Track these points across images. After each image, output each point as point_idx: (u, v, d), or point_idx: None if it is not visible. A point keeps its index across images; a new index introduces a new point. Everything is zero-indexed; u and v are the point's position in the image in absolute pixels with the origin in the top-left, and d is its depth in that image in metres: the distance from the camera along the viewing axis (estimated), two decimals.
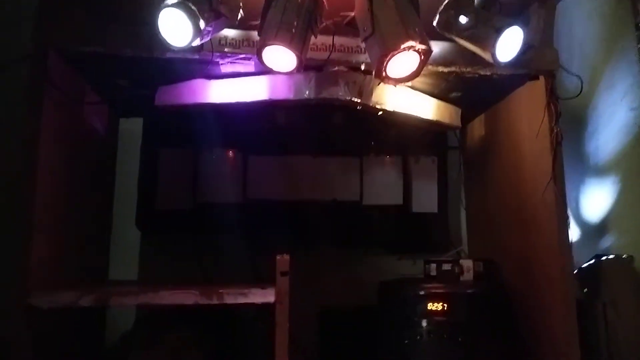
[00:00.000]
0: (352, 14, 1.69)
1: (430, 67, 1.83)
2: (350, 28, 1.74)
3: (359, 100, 1.96)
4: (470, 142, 2.82)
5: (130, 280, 2.52)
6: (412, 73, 1.62)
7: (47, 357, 1.73)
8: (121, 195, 2.54)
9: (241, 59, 1.79)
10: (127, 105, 2.38)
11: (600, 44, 2.74)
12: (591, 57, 2.74)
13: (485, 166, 2.62)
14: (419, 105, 2.19)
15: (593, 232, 2.59)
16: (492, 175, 2.55)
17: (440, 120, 2.26)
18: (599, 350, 2.13)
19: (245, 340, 2.27)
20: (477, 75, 1.94)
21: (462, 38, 1.68)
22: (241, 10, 1.62)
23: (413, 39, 1.48)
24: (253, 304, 1.72)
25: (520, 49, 1.67)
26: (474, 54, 1.74)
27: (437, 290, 2.08)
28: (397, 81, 1.65)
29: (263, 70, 1.75)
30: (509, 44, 1.63)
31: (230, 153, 2.59)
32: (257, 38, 1.63)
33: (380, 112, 2.06)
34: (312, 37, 1.63)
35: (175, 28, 1.49)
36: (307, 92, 1.90)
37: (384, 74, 1.59)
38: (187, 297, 1.71)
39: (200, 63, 1.81)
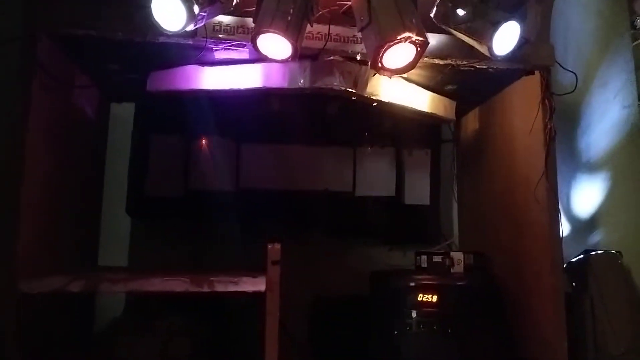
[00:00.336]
0: (349, 3, 1.68)
1: (426, 59, 1.82)
2: (346, 17, 1.73)
3: (353, 91, 1.95)
4: (464, 135, 2.82)
5: (120, 266, 2.50)
6: (408, 64, 1.61)
7: (35, 343, 1.73)
8: (111, 180, 2.52)
9: (235, 45, 1.76)
10: (118, 89, 2.35)
11: (595, 41, 2.75)
12: (586, 54, 2.75)
13: (478, 160, 2.62)
14: (413, 97, 2.18)
15: (583, 227, 2.61)
16: (484, 168, 2.56)
17: (434, 112, 2.26)
18: (586, 344, 2.15)
19: (236, 328, 2.27)
20: (473, 69, 1.93)
21: (459, 31, 1.67)
22: None
23: (410, 31, 1.48)
24: (244, 292, 1.72)
25: (517, 43, 1.67)
26: (470, 47, 1.74)
27: (428, 282, 2.10)
28: (393, 72, 1.64)
29: (257, 57, 1.74)
30: (506, 38, 1.63)
31: (223, 140, 2.56)
32: (252, 25, 1.61)
33: (374, 103, 2.05)
34: (308, 26, 1.62)
35: (169, 12, 1.47)
36: (301, 81, 1.89)
37: (379, 64, 1.58)
38: (178, 285, 1.70)
39: (193, 49, 1.78)
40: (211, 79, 1.94)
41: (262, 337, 1.69)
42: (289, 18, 1.48)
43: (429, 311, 2.03)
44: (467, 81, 2.13)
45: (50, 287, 1.63)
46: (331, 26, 1.77)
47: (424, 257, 2.28)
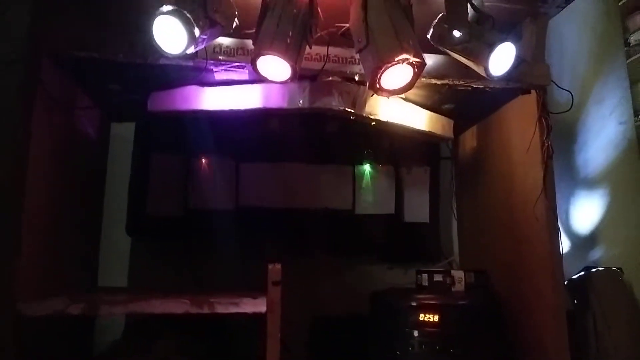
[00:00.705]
0: (347, 25, 1.70)
1: (423, 79, 1.84)
2: (344, 39, 1.75)
3: (352, 111, 1.97)
4: (462, 153, 2.84)
5: (119, 287, 2.49)
6: (405, 85, 1.63)
7: None
8: (111, 199, 2.52)
9: (235, 66, 1.79)
10: (119, 109, 2.37)
11: (590, 58, 2.78)
12: (581, 71, 2.78)
13: (477, 177, 2.63)
14: (411, 116, 2.20)
15: (583, 244, 2.61)
16: (483, 186, 2.57)
17: (432, 131, 2.28)
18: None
19: (236, 347, 2.25)
20: (469, 88, 1.96)
21: (455, 52, 1.70)
22: (236, 19, 1.62)
23: (407, 52, 1.49)
24: (244, 313, 1.71)
25: (513, 63, 1.69)
26: (467, 67, 1.76)
27: (429, 302, 2.09)
28: (391, 93, 1.66)
29: (257, 78, 1.76)
30: (502, 59, 1.65)
31: (223, 159, 2.58)
32: (252, 46, 1.63)
33: (373, 123, 2.07)
34: (307, 47, 1.64)
35: (170, 35, 1.49)
36: (300, 102, 1.91)
37: (377, 85, 1.60)
38: (178, 307, 1.69)
39: (194, 70, 1.80)
40: (211, 99, 1.96)
41: (263, 357, 1.67)
42: (289, 40, 1.50)
43: (430, 331, 2.02)
44: (465, 100, 2.15)
45: (50, 309, 1.62)
46: (330, 47, 1.80)
47: (425, 276, 2.27)
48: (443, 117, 2.35)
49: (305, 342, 2.52)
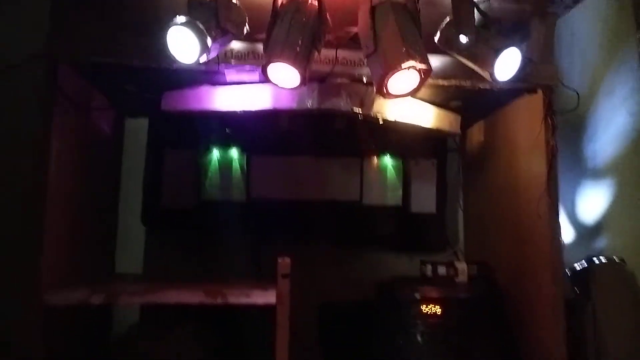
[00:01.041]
0: (355, 29, 1.73)
1: (430, 80, 1.84)
2: (353, 42, 1.78)
3: (360, 111, 2.01)
4: (469, 146, 2.86)
5: (135, 274, 2.60)
6: (412, 90, 1.65)
7: (57, 351, 1.81)
8: (127, 192, 2.61)
9: (246, 70, 1.83)
10: (133, 105, 2.43)
11: (601, 49, 2.76)
12: (592, 62, 2.76)
13: (482, 171, 2.67)
14: (419, 114, 2.23)
15: (587, 233, 2.64)
16: (489, 180, 2.60)
17: (440, 127, 2.31)
18: (587, 351, 2.19)
19: (248, 335, 2.35)
20: (476, 88, 1.98)
21: (462, 56, 1.71)
22: (247, 25, 1.65)
23: (414, 59, 1.52)
24: (255, 304, 1.80)
25: (519, 65, 1.70)
26: None
27: (432, 293, 2.15)
28: (398, 97, 1.69)
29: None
30: (507, 63, 1.66)
31: (234, 153, 2.64)
32: (262, 50, 1.66)
33: (381, 122, 2.11)
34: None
35: (183, 45, 1.52)
36: (309, 103, 1.95)
37: (384, 90, 1.63)
38: (193, 297, 1.79)
39: (206, 73, 1.86)
40: (223, 100, 2.01)
41: (273, 348, 1.77)
42: (298, 48, 1.53)
43: (434, 322, 2.08)
44: (471, 98, 2.17)
45: (74, 299, 1.73)
46: (338, 50, 1.83)
47: (429, 267, 2.32)
48: (450, 113, 2.37)
49: (313, 331, 2.60)
